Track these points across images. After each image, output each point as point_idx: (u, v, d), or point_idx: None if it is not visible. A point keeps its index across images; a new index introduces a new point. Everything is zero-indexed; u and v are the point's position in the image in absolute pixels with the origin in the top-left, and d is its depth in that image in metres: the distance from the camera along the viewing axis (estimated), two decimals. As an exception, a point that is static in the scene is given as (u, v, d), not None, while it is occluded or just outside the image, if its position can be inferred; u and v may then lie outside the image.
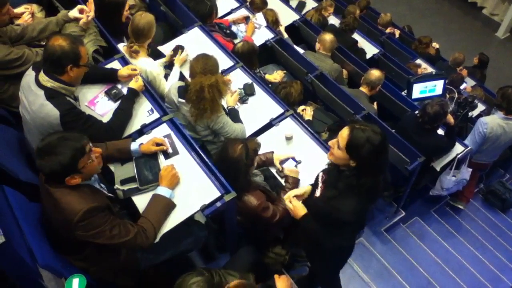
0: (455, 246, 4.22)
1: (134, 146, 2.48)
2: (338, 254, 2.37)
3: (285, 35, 4.95)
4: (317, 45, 4.62)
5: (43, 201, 2.10)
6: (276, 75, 4.17)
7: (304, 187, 2.47)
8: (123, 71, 2.86)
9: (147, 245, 2.16)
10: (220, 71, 3.04)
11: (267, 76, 4.13)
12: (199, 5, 4.22)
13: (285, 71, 4.32)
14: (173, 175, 2.38)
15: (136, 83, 2.80)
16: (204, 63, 2.87)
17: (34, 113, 2.41)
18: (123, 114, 2.70)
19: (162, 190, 2.32)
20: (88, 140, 2.03)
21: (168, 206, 2.31)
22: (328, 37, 4.55)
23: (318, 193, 2.25)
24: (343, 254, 2.43)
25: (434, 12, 10.40)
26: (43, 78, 2.37)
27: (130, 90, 2.78)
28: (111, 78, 2.88)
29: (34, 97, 2.39)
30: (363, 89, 4.28)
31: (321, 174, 2.27)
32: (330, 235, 2.16)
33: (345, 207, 2.02)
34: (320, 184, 2.24)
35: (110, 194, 2.28)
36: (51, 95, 2.36)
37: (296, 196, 2.36)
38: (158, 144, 2.53)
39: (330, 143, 2.02)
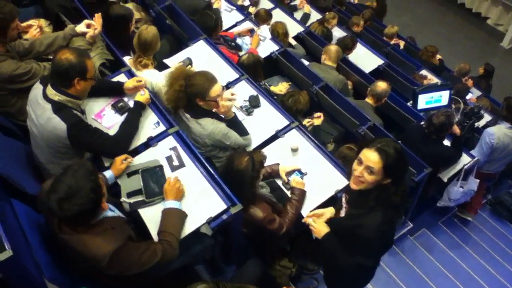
0: (464, 257, 4.17)
1: (108, 173, 2.45)
2: (358, 273, 2.29)
3: (294, 42, 5.05)
4: (323, 56, 4.64)
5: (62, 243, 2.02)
6: (281, 87, 4.17)
7: (327, 209, 2.44)
8: (129, 83, 2.87)
9: (174, 257, 2.17)
10: (211, 88, 2.84)
11: (272, 88, 4.14)
12: (204, 18, 4.27)
13: (290, 83, 4.33)
14: (177, 189, 2.38)
15: (142, 96, 2.81)
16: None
17: (41, 127, 2.43)
18: (130, 126, 2.70)
19: (171, 203, 2.32)
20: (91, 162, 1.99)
21: (182, 216, 2.31)
22: (333, 47, 4.60)
23: (343, 213, 2.25)
24: (362, 274, 2.35)
25: (438, 22, 10.40)
26: (51, 91, 2.39)
27: (137, 103, 2.79)
28: (117, 91, 2.90)
29: (41, 110, 2.41)
30: (369, 100, 4.28)
31: (344, 195, 2.26)
32: (351, 253, 2.12)
33: (369, 223, 2.00)
34: (344, 205, 2.22)
35: (124, 216, 2.27)
36: (58, 108, 2.38)
37: (317, 216, 2.36)
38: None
39: (357, 173, 1.96)
